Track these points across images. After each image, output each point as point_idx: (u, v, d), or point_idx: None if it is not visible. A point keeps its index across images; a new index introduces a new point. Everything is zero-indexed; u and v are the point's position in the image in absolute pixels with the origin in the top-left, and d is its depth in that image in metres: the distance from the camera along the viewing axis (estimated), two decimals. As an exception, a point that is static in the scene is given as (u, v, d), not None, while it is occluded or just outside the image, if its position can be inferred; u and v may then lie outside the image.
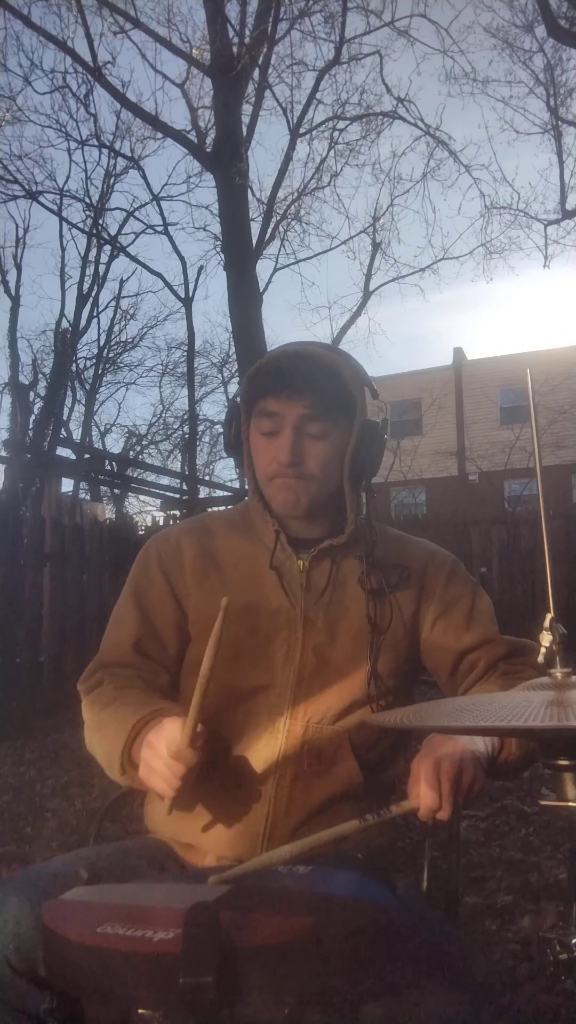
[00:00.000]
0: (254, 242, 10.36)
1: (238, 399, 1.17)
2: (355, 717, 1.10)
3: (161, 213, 18.42)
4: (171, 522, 7.43)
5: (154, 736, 0.98)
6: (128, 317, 20.94)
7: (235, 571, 1.15)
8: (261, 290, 10.38)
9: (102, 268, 18.68)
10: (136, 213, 16.30)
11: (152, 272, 22.77)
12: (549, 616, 0.79)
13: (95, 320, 19.36)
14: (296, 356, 1.12)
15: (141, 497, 15.81)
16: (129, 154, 14.31)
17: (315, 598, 1.13)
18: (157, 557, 1.19)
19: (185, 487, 12.11)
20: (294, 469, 1.11)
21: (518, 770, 1.10)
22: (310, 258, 13.25)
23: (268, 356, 1.13)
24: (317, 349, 1.13)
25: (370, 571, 1.14)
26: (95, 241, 17.51)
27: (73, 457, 10.40)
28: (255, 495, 1.17)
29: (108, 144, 14.21)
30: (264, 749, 1.07)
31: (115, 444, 23.52)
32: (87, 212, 16.53)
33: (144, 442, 23.36)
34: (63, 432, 17.02)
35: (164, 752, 0.96)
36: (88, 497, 16.37)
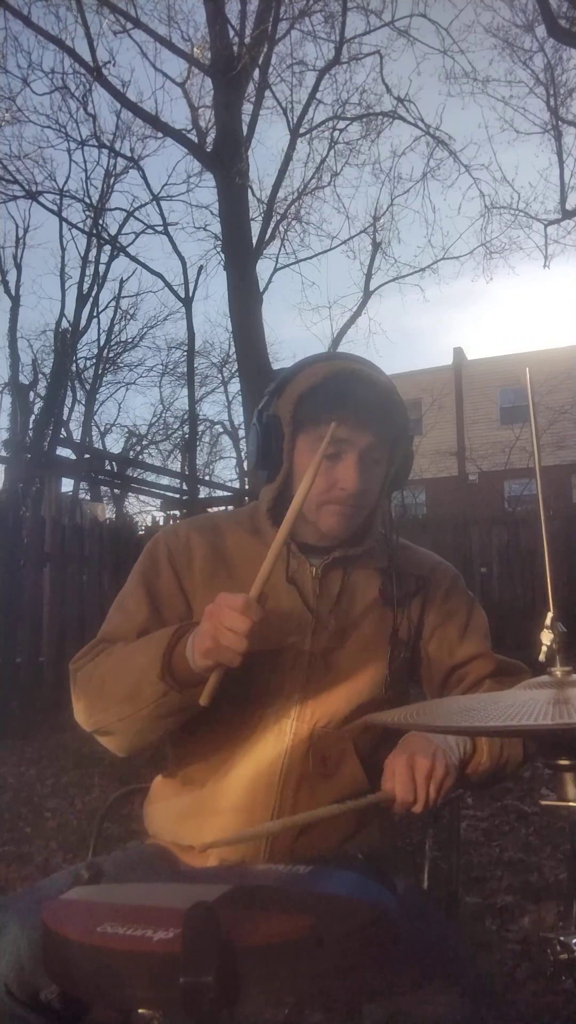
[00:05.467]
0: (254, 242, 10.36)
1: (272, 412, 1.11)
2: (361, 722, 1.10)
3: (161, 213, 18.40)
4: (171, 522, 7.42)
5: (213, 606, 0.96)
6: (128, 317, 20.97)
7: (246, 571, 1.13)
8: (261, 290, 10.38)
9: (102, 268, 18.70)
10: (136, 213, 16.31)
11: (152, 272, 22.83)
12: (550, 615, 0.80)
13: (95, 320, 19.37)
14: (358, 380, 1.09)
15: (141, 497, 15.83)
16: (129, 154, 14.32)
17: (327, 604, 1.13)
18: (167, 551, 1.17)
19: (185, 487, 12.10)
20: (355, 498, 1.09)
21: (486, 782, 1.12)
22: (310, 258, 13.28)
23: (320, 374, 1.09)
24: (371, 371, 1.11)
25: (391, 581, 1.15)
26: (95, 241, 17.52)
27: (73, 457, 10.38)
28: (266, 505, 1.14)
29: (108, 144, 14.21)
30: (270, 751, 1.07)
31: (115, 444, 23.55)
32: (87, 212, 16.53)
33: (144, 442, 23.39)
34: (63, 432, 16.98)
35: (229, 608, 0.93)
36: (88, 497, 16.38)
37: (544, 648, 0.79)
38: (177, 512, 9.94)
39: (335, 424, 1.02)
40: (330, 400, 1.07)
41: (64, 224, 17.14)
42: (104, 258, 18.42)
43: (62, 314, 18.81)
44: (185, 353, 17.80)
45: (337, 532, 1.12)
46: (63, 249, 18.99)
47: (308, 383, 1.08)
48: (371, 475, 1.11)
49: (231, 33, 9.89)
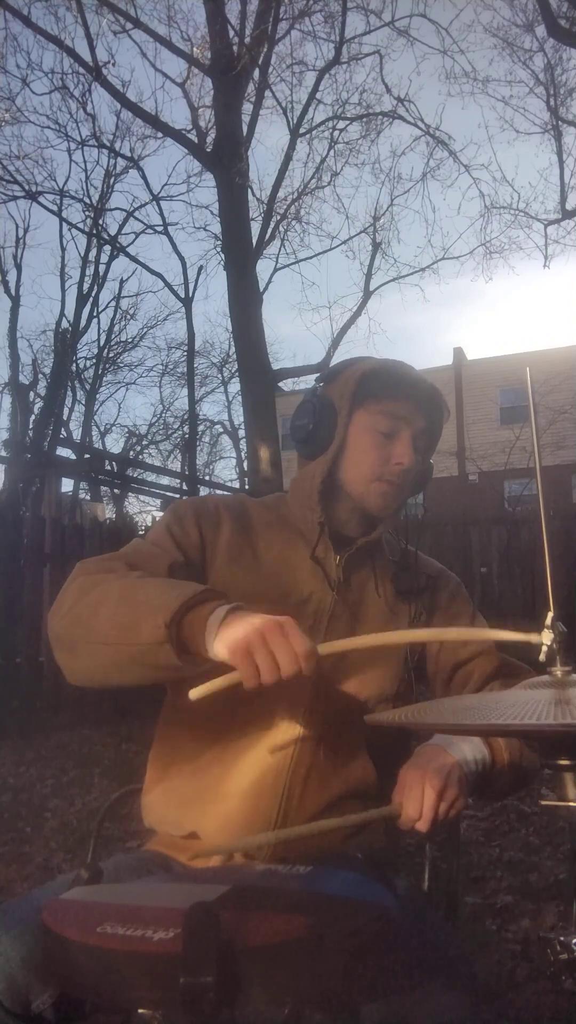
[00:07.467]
0: (254, 242, 10.36)
1: (324, 395, 1.15)
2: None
3: (161, 213, 18.49)
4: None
5: (276, 621, 0.88)
6: (128, 317, 21.04)
7: (268, 554, 1.15)
8: (261, 290, 10.38)
9: (102, 268, 18.75)
10: (136, 213, 16.36)
11: (152, 272, 22.97)
12: (550, 615, 0.80)
13: (95, 320, 19.43)
14: (415, 372, 1.16)
15: (141, 497, 15.81)
16: (129, 154, 14.36)
17: (344, 595, 1.14)
18: (195, 512, 1.16)
19: (185, 487, 12.10)
20: (404, 476, 1.14)
21: (505, 792, 1.13)
22: (310, 258, 13.26)
23: (379, 362, 1.16)
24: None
25: (402, 574, 1.19)
26: (95, 241, 17.55)
27: (73, 457, 10.38)
28: (312, 485, 1.14)
29: (108, 144, 14.25)
30: (281, 739, 1.06)
31: (115, 444, 23.62)
32: (87, 212, 16.56)
33: (144, 442, 23.43)
34: (63, 432, 17.01)
35: (291, 638, 0.87)
36: (88, 497, 16.39)
37: (544, 648, 0.79)
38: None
39: (400, 402, 1.12)
40: (394, 379, 1.14)
41: (64, 224, 17.22)
42: (104, 258, 18.50)
43: (62, 314, 18.90)
44: (185, 353, 17.85)
45: (383, 511, 1.16)
46: (63, 249, 19.15)
47: (369, 365, 1.15)
48: (416, 460, 1.15)
49: (231, 33, 9.91)
